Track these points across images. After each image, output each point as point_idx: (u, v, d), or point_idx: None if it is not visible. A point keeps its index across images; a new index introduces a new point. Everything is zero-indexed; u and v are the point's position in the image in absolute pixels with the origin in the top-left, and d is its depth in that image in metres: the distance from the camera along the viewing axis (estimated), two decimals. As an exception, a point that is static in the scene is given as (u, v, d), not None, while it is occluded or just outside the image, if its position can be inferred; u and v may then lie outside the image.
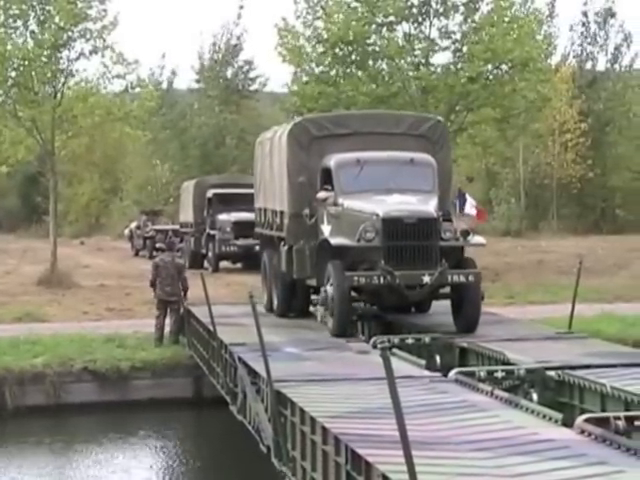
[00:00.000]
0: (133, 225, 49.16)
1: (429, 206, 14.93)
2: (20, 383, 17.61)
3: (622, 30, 58.82)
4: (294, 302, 17.31)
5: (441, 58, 33.52)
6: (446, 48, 33.04)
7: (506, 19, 32.21)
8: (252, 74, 63.21)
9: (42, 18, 30.37)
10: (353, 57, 32.42)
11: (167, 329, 18.95)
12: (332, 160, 16.02)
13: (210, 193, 36.54)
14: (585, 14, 58.86)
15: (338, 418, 8.73)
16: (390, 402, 5.90)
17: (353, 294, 15.15)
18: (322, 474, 8.61)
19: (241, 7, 64.67)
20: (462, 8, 32.80)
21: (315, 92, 31.94)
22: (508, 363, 12.01)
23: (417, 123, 17.31)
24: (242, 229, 32.33)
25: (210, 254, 35.78)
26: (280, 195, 17.16)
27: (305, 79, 33.29)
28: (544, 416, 8.77)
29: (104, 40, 30.58)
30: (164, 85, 64.24)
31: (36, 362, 17.92)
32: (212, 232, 35.32)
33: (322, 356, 12.85)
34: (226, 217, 35.00)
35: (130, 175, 68.15)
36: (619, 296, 25.11)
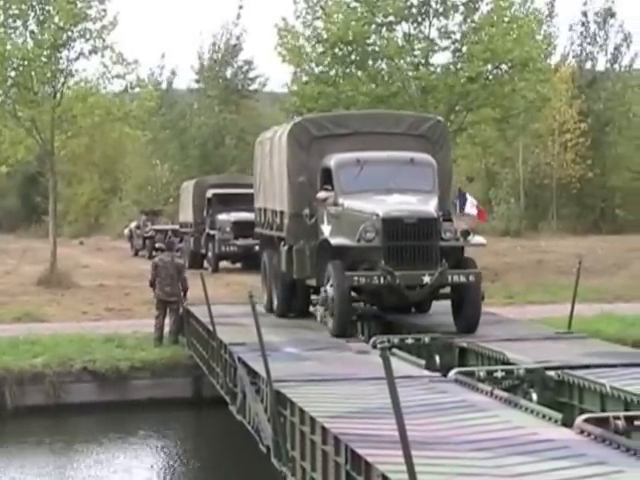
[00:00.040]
0: (133, 225, 49.16)
1: (429, 206, 14.92)
2: (20, 383, 17.61)
3: (622, 30, 58.91)
4: (294, 302, 17.31)
5: (441, 58, 33.59)
6: (446, 48, 33.06)
7: (506, 19, 32.22)
8: (252, 74, 63.29)
9: (42, 18, 30.37)
10: (353, 57, 32.43)
11: (166, 329, 18.94)
12: (332, 160, 16.02)
13: (210, 193, 36.55)
14: (585, 14, 58.90)
15: (338, 418, 8.73)
16: (390, 402, 5.90)
17: (353, 294, 15.15)
18: (322, 474, 8.61)
19: (240, 7, 65.00)
20: (462, 8, 32.80)
21: (315, 92, 31.95)
22: (508, 363, 12.01)
23: (417, 123, 17.31)
24: (242, 229, 32.34)
25: (210, 254, 35.77)
26: (280, 195, 17.16)
27: (305, 79, 33.30)
28: (544, 416, 8.77)
29: (104, 40, 30.60)
30: (164, 85, 64.26)
31: (35, 362, 17.92)
32: (212, 232, 35.32)
33: (322, 356, 12.85)
34: (226, 217, 35.00)
35: (130, 175, 68.14)
36: (619, 296, 25.12)
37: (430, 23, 32.64)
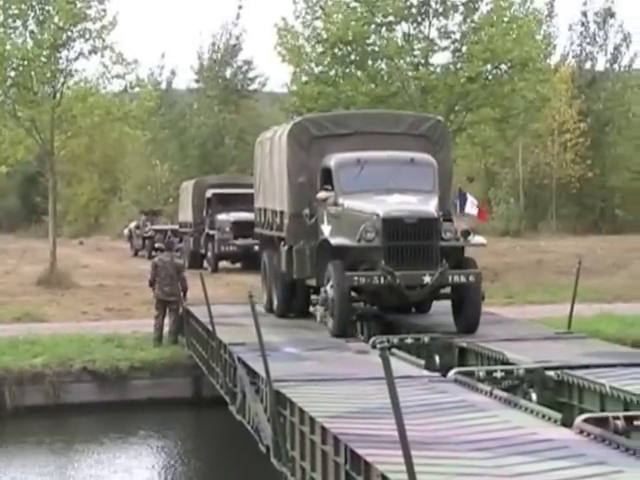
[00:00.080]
0: (132, 225, 49.15)
1: (429, 206, 14.92)
2: (19, 383, 17.61)
3: (621, 30, 58.92)
4: (294, 302, 17.30)
5: (440, 58, 33.60)
6: (445, 48, 33.07)
7: (505, 19, 32.23)
8: (251, 74, 63.28)
9: (41, 18, 30.37)
10: (352, 57, 32.43)
11: (166, 329, 18.94)
12: (332, 160, 16.02)
13: (209, 193, 36.55)
14: (584, 14, 58.92)
15: (337, 418, 8.73)
16: (389, 402, 5.90)
17: (353, 294, 15.15)
18: (321, 474, 8.61)
19: (240, 7, 64.89)
20: (461, 8, 32.81)
21: (314, 92, 31.95)
22: (507, 363, 12.01)
23: (417, 123, 17.30)
24: (241, 229, 32.35)
25: (209, 254, 35.78)
26: (280, 195, 17.16)
27: (304, 79, 33.29)
28: (543, 416, 8.77)
29: (103, 40, 30.61)
30: (163, 85, 64.24)
31: (35, 362, 17.91)
32: (211, 232, 35.33)
33: (321, 356, 12.85)
34: (225, 217, 35.01)
35: (129, 175, 68.14)
36: (618, 296, 25.12)
37: (430, 23, 32.66)
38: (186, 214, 38.90)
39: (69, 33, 30.21)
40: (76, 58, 30.78)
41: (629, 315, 21.02)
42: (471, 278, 14.65)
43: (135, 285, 27.91)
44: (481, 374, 11.15)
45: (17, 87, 30.73)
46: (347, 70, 32.62)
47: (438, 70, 32.85)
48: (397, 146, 16.41)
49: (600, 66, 59.55)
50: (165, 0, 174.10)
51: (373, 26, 32.15)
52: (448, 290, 15.21)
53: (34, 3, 30.31)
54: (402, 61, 32.58)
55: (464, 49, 32.44)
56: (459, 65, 32.43)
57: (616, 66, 59.31)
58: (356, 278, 14.44)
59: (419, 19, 32.59)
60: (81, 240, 60.31)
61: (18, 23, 30.56)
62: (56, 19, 30.05)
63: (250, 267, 29.59)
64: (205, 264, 36.01)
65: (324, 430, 8.52)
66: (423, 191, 15.52)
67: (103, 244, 56.55)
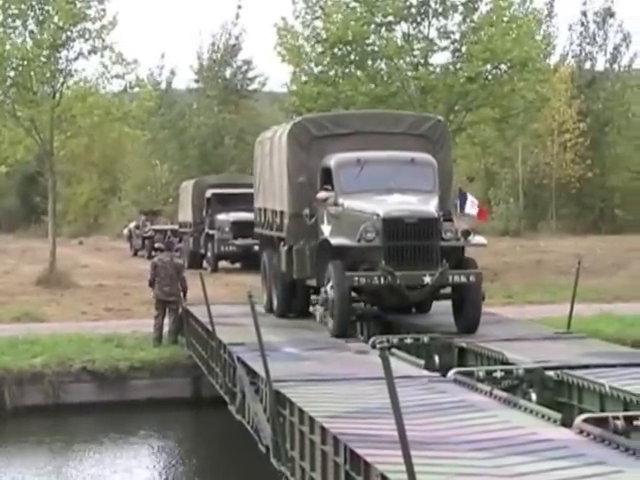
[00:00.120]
0: (132, 225, 49.15)
1: (430, 206, 14.91)
2: (19, 383, 17.60)
3: (621, 30, 58.93)
4: (294, 302, 17.29)
5: (440, 58, 33.59)
6: (445, 48, 33.06)
7: (505, 19, 32.23)
8: (251, 74, 63.31)
9: (41, 18, 30.37)
10: (352, 57, 32.43)
11: (166, 329, 18.94)
12: (332, 160, 16.01)
13: (209, 193, 36.55)
14: (584, 14, 58.93)
15: (337, 418, 8.73)
16: (389, 402, 5.90)
17: (353, 294, 15.14)
18: (321, 474, 8.61)
19: (239, 7, 65.05)
20: (461, 8, 32.80)
21: (314, 92, 31.95)
22: (507, 363, 12.01)
23: (417, 123, 17.30)
24: (241, 229, 32.35)
25: (209, 254, 35.78)
26: (280, 195, 17.15)
27: (304, 79, 33.29)
28: (543, 416, 8.77)
29: (103, 40, 30.60)
30: (163, 85, 64.22)
31: (35, 362, 17.91)
32: (211, 232, 35.33)
33: (321, 356, 12.85)
34: (225, 217, 35.01)
35: (129, 175, 68.13)
36: (618, 296, 25.12)
37: (429, 23, 32.66)
38: (186, 214, 38.90)
39: (69, 33, 30.21)
40: (76, 58, 30.81)
41: (629, 315, 21.02)
42: (471, 278, 14.64)
43: (135, 285, 27.91)
44: (481, 374, 11.15)
45: (17, 87, 30.73)
46: (347, 70, 32.63)
47: (438, 70, 32.85)
48: (397, 146, 16.41)
49: (600, 66, 59.66)
50: (165, 0, 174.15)
51: (373, 26, 32.15)
52: (448, 290, 15.21)
53: (34, 3, 30.31)
54: (402, 61, 32.58)
55: (464, 49, 32.44)
56: (459, 65, 32.43)
57: (616, 66, 59.33)
58: (356, 278, 14.44)
59: (419, 19, 32.59)
60: (81, 240, 60.29)
61: (18, 23, 30.57)
62: (56, 19, 30.05)
63: (250, 267, 29.59)
64: (205, 264, 36.01)
65: (324, 430, 8.52)
66: (423, 191, 15.51)
67: (103, 244, 56.53)
